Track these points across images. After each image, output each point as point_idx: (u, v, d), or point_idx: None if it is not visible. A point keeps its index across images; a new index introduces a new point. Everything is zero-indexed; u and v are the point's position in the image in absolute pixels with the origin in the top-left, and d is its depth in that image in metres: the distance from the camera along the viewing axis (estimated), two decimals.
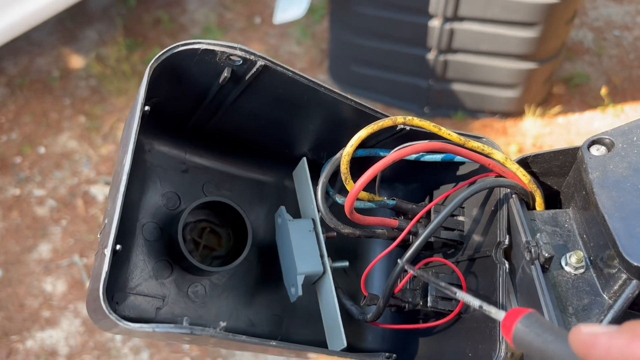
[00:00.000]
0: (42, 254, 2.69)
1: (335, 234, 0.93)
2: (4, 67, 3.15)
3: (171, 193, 0.94)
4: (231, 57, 0.75)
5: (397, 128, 0.84)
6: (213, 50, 0.74)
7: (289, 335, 0.97)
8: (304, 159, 0.94)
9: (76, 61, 3.20)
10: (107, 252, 0.65)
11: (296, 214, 0.95)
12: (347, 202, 0.79)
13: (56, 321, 2.56)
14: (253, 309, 0.96)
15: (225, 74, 0.77)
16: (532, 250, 0.76)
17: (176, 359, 2.49)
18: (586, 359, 0.46)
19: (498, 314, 0.61)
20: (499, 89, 2.82)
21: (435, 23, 2.60)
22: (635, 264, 0.70)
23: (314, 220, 0.91)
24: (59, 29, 3.30)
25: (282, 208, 0.93)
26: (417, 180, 1.01)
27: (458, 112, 2.92)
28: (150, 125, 0.88)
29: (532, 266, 0.76)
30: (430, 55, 2.72)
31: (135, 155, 0.90)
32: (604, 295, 0.75)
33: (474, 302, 0.68)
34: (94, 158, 2.91)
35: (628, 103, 3.03)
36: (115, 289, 0.85)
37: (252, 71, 0.77)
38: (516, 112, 2.93)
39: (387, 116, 0.83)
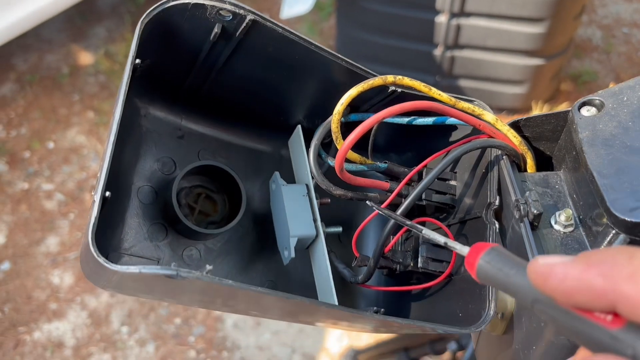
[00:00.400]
0: (49, 247, 2.71)
1: (329, 200, 0.93)
2: (14, 64, 3.19)
3: (167, 158, 0.94)
4: (221, 11, 0.76)
5: (389, 90, 0.84)
6: (203, 5, 0.75)
7: None
8: (299, 126, 0.94)
9: (85, 58, 3.24)
10: (97, 198, 0.66)
11: (292, 182, 0.96)
12: (337, 158, 0.80)
13: (63, 313, 2.57)
14: (247, 275, 0.96)
15: (216, 30, 0.78)
16: (522, 207, 0.76)
17: (181, 352, 2.50)
18: (543, 289, 0.46)
19: (462, 250, 0.59)
20: (506, 85, 2.82)
21: (442, 19, 2.60)
22: (622, 217, 0.70)
23: (307, 186, 0.92)
24: (68, 26, 3.33)
25: (277, 173, 0.93)
26: (411, 149, 1.01)
27: None
28: (145, 89, 0.89)
29: (522, 224, 0.76)
30: (437, 51, 2.73)
31: (131, 120, 0.91)
32: None
33: (439, 238, 0.67)
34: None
35: None
36: (110, 248, 0.86)
37: (242, 26, 0.77)
38: (523, 109, 2.93)
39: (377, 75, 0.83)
